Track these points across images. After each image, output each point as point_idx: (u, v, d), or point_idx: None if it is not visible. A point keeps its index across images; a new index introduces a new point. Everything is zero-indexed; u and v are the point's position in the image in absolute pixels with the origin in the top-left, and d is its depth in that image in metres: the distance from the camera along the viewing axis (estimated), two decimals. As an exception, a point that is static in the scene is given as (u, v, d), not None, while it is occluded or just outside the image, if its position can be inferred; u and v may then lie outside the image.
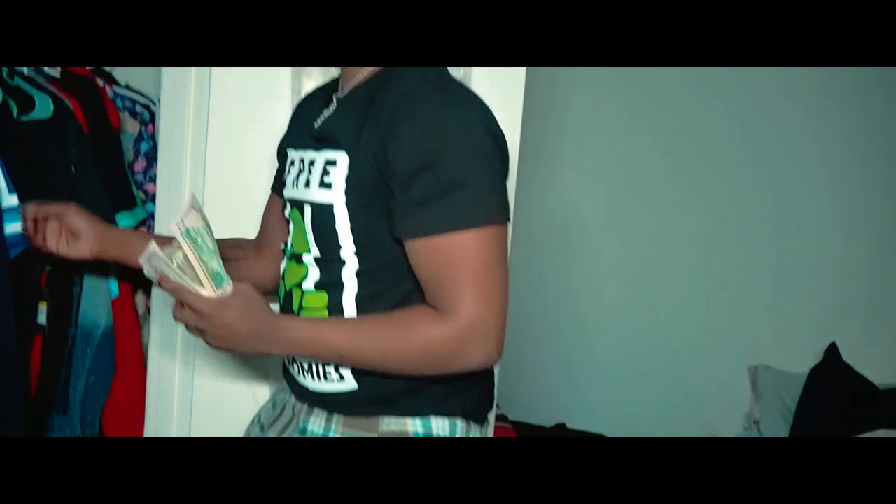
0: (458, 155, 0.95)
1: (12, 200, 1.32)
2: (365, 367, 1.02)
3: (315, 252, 1.09)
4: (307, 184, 1.08)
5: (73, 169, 1.46)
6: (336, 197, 1.02)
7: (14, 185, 1.33)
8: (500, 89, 1.45)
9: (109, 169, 1.56)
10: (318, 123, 1.13)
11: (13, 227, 1.32)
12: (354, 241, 1.03)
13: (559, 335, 2.86)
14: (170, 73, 1.55)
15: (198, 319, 0.98)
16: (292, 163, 1.17)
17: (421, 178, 0.94)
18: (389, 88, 1.01)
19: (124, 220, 1.55)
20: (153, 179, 1.75)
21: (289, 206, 1.16)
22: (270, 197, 1.34)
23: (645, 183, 2.81)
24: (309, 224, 1.08)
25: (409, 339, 0.97)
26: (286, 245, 1.17)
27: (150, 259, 0.99)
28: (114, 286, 1.56)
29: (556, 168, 2.80)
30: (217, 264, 1.00)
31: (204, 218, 1.02)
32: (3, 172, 1.32)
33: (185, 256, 0.97)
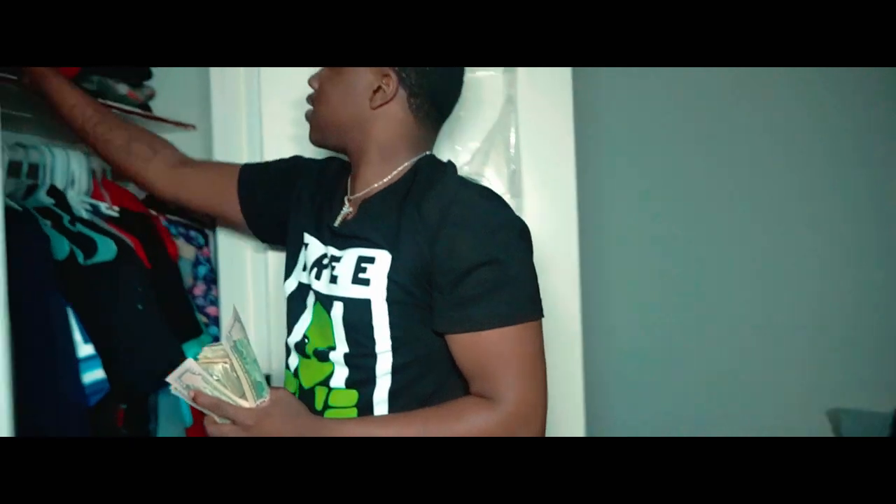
0: (507, 257, 1.03)
1: (88, 350, 1.34)
2: None
3: (344, 348, 1.10)
4: (334, 279, 1.11)
5: (139, 307, 1.48)
6: (375, 293, 1.06)
7: (88, 333, 1.35)
8: (545, 90, 1.52)
9: (173, 300, 1.58)
10: (337, 222, 1.18)
11: (93, 376, 1.33)
12: (391, 336, 1.07)
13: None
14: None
15: (240, 432, 1.01)
16: (306, 245, 1.21)
17: (472, 278, 1.02)
18: (431, 196, 1.08)
19: (192, 349, 1.55)
20: (214, 302, 1.77)
21: (311, 297, 1.17)
22: (231, 168, 1.41)
23: (703, 204, 2.65)
24: (339, 320, 1.10)
25: (460, 431, 1.01)
26: (303, 341, 1.17)
27: (183, 377, 1.00)
28: (187, 415, 1.57)
29: (607, 177, 2.66)
30: (259, 374, 1.02)
31: (243, 329, 1.04)
32: (77, 322, 1.34)
33: (226, 369, 0.99)
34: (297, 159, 1.42)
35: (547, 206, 1.53)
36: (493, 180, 1.55)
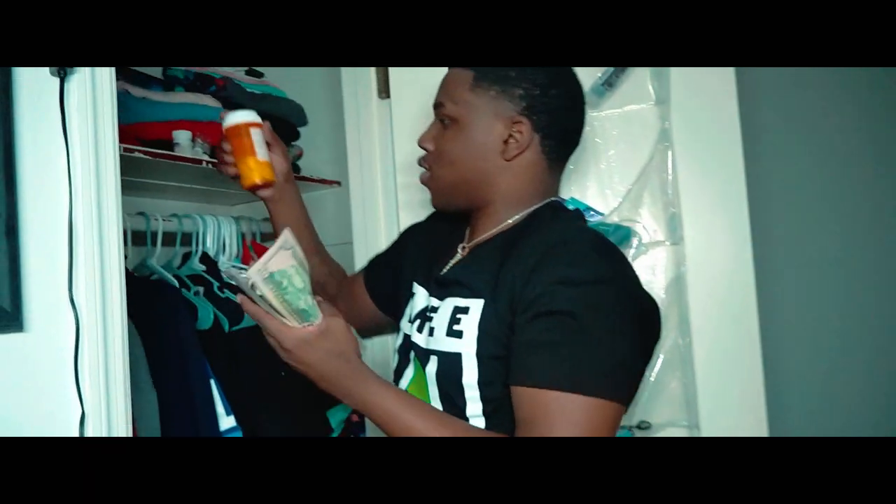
0: (588, 316, 0.87)
1: (230, 422, 1.32)
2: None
3: (438, 407, 1.00)
4: (431, 332, 1.03)
5: (283, 374, 1.46)
6: (466, 346, 0.96)
7: (230, 403, 1.34)
8: (705, 118, 1.33)
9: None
10: (444, 270, 1.09)
11: (233, 449, 1.31)
12: (482, 398, 0.96)
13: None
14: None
15: (278, 349, 0.97)
16: (413, 295, 1.13)
17: (539, 323, 0.89)
18: (537, 239, 0.97)
19: (336, 415, 1.51)
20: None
21: (412, 351, 1.08)
22: (363, 279, 1.32)
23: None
24: (433, 376, 1.01)
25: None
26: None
27: (230, 275, 0.94)
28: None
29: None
30: (304, 302, 0.91)
31: (296, 255, 0.92)
32: (221, 395, 1.33)
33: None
34: (410, 226, 1.34)
35: (715, 251, 1.32)
36: (649, 225, 1.37)
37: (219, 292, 1.53)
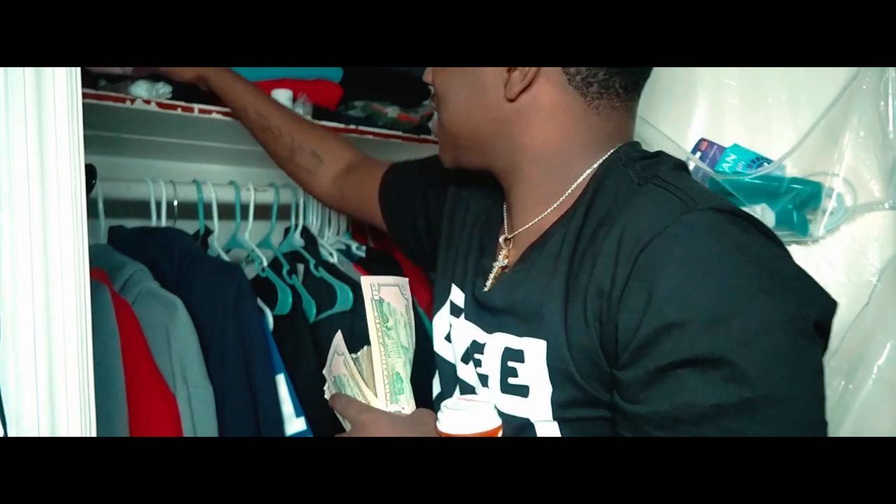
0: (745, 360, 0.54)
1: (299, 425, 1.13)
2: None
3: None
4: (484, 380, 0.75)
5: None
6: (536, 411, 0.67)
7: (301, 403, 1.14)
8: None
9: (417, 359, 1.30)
10: (489, 281, 0.78)
11: (301, 457, 1.11)
12: None
13: None
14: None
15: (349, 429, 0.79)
16: (448, 299, 0.87)
17: (672, 378, 0.57)
18: (617, 224, 0.63)
19: (438, 419, 1.25)
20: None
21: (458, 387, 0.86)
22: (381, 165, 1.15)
23: None
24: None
25: None
26: None
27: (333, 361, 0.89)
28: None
29: None
30: (403, 366, 0.82)
31: (408, 310, 0.84)
32: (291, 393, 1.14)
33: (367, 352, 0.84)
34: (441, 174, 1.00)
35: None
36: (854, 180, 0.93)
37: (314, 270, 1.35)
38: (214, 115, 1.21)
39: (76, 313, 0.67)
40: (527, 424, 0.68)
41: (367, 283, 0.82)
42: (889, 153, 0.91)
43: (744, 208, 0.64)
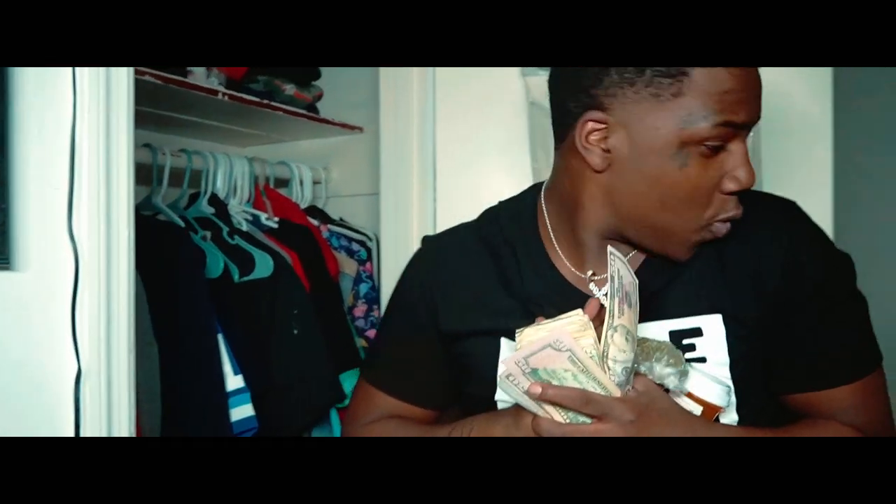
0: (844, 279, 0.81)
1: (237, 382, 1.20)
2: None
3: None
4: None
5: (295, 331, 1.33)
6: None
7: (238, 362, 1.21)
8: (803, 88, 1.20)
9: (332, 323, 1.42)
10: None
11: (241, 412, 1.19)
12: None
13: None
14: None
15: (615, 431, 0.70)
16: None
17: (844, 310, 0.80)
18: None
19: (348, 380, 1.38)
20: (375, 325, 1.60)
21: None
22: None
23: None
24: None
25: None
26: None
27: (534, 357, 0.68)
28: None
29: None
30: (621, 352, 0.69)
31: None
32: (229, 352, 1.20)
33: (594, 343, 0.67)
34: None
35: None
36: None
37: (228, 238, 1.39)
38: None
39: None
40: None
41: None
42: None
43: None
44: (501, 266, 0.86)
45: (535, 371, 0.68)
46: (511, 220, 0.88)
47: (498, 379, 0.70)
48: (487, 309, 0.84)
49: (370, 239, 1.68)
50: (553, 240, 0.85)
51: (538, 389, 0.68)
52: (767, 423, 0.79)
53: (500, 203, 0.92)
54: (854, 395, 0.80)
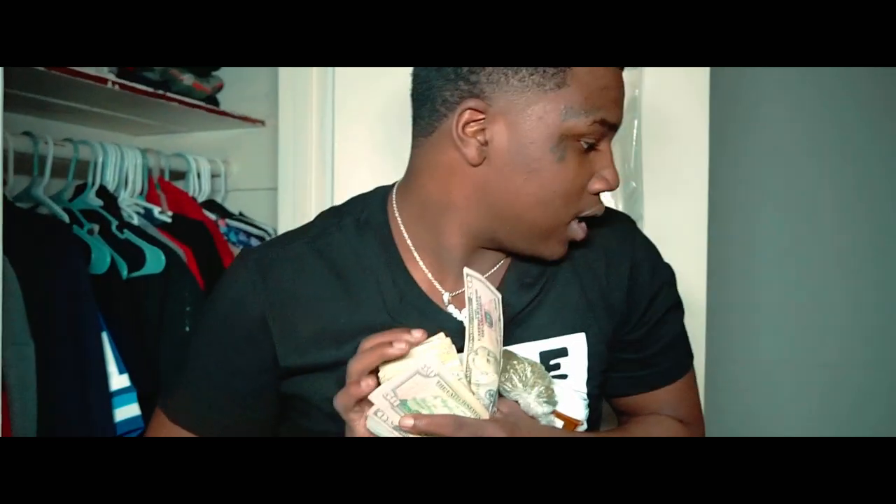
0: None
1: (123, 381, 1.15)
2: None
3: None
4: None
5: (187, 329, 1.30)
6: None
7: (124, 361, 1.17)
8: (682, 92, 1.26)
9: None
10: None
11: (126, 412, 1.15)
12: None
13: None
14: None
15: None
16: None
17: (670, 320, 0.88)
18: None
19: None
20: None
21: None
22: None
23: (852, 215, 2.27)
24: None
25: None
26: None
27: (402, 388, 0.65)
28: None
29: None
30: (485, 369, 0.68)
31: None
32: (113, 350, 1.15)
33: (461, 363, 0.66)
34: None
35: (673, 238, 1.23)
36: (607, 199, 1.28)
37: (117, 232, 1.34)
38: None
39: None
40: None
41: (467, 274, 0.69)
42: (630, 182, 1.26)
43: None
44: (348, 284, 0.77)
45: (403, 403, 0.66)
46: (358, 229, 0.79)
47: (366, 417, 0.67)
48: (333, 337, 0.76)
49: (270, 234, 1.65)
50: (412, 248, 0.78)
51: (410, 422, 0.65)
52: (596, 424, 0.86)
53: (334, 209, 0.85)
54: (678, 391, 0.89)
